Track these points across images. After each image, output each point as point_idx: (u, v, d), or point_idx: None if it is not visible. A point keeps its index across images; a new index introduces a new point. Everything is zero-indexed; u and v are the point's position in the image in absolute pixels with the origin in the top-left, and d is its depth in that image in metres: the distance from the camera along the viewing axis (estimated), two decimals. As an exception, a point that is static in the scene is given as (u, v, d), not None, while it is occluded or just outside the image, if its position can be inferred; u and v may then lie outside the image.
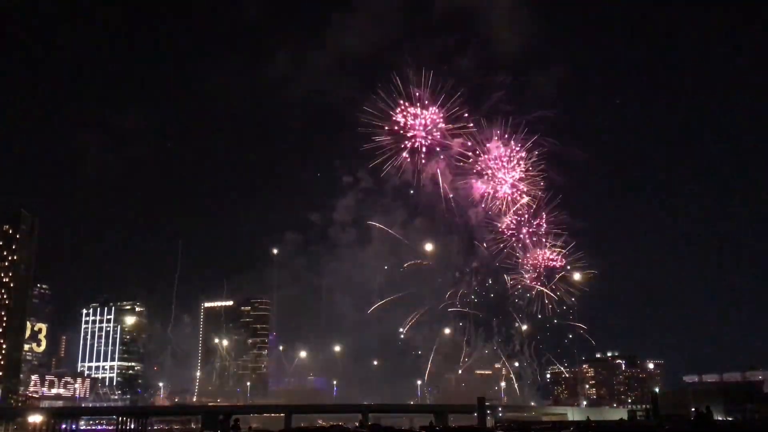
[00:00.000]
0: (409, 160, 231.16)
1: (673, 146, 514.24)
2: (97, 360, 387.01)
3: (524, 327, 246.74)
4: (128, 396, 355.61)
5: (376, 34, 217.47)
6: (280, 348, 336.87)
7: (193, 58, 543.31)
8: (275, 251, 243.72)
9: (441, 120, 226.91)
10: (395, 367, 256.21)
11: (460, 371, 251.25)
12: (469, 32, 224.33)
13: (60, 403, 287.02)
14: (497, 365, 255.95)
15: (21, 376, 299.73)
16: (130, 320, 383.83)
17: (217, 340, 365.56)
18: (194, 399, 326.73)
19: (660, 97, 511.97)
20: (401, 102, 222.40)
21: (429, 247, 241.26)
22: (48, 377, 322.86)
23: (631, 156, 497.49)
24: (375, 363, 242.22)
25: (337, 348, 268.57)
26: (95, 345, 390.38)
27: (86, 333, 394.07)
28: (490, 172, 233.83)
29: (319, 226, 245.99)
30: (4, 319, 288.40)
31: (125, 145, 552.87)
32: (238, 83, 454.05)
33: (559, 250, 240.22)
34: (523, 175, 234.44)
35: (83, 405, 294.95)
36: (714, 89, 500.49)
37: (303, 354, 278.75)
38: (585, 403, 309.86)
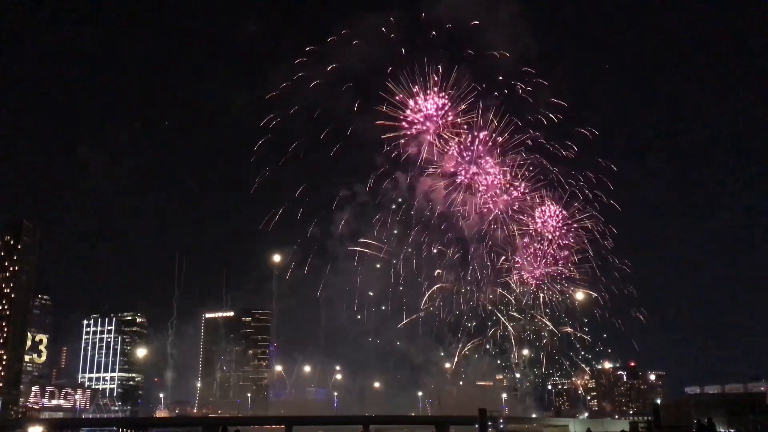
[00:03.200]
0: (403, 176, 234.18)
1: (674, 156, 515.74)
2: (98, 371, 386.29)
3: (513, 330, 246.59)
4: (128, 407, 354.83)
5: (374, 49, 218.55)
6: (280, 360, 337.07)
7: (192, 72, 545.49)
8: (275, 263, 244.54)
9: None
10: (395, 378, 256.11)
11: (461, 382, 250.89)
12: (467, 47, 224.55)
13: (60, 415, 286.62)
14: (499, 376, 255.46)
15: (21, 387, 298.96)
16: (130, 331, 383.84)
17: (217, 351, 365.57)
18: (194, 410, 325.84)
19: (663, 110, 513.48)
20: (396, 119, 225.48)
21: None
22: (48, 388, 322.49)
23: (632, 163, 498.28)
24: (374, 374, 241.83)
25: (337, 363, 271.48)
26: (96, 356, 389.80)
27: (87, 344, 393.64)
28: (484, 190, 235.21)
29: (317, 240, 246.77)
30: (5, 330, 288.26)
31: (126, 157, 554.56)
32: (236, 98, 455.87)
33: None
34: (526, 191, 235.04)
35: (83, 416, 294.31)
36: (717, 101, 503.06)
37: (306, 368, 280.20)
38: (586, 414, 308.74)
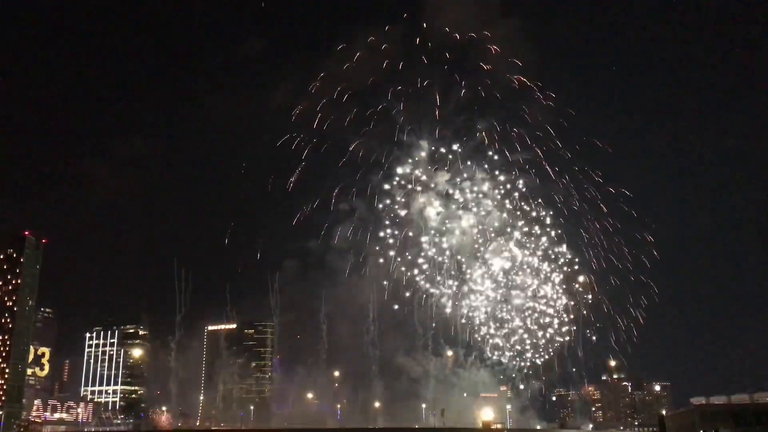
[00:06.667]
0: (400, 191, 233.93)
1: (671, 170, 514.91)
2: (100, 384, 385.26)
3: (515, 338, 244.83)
4: (131, 420, 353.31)
5: (375, 65, 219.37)
6: (282, 372, 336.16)
7: (196, 87, 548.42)
8: (276, 276, 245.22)
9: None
10: (398, 390, 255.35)
11: (465, 394, 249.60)
12: (466, 64, 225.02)
13: (63, 428, 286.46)
14: (503, 387, 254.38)
15: (24, 400, 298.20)
16: (133, 344, 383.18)
17: (219, 364, 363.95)
18: (197, 423, 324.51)
19: (658, 129, 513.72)
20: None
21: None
22: (51, 402, 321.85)
23: (628, 176, 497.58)
24: (377, 386, 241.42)
25: (337, 373, 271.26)
26: (98, 369, 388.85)
27: (89, 357, 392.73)
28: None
29: (317, 254, 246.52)
30: (7, 343, 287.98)
31: (129, 170, 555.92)
32: (240, 112, 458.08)
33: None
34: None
35: (86, 430, 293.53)
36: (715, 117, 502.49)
37: (308, 380, 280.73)
38: (591, 426, 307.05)
